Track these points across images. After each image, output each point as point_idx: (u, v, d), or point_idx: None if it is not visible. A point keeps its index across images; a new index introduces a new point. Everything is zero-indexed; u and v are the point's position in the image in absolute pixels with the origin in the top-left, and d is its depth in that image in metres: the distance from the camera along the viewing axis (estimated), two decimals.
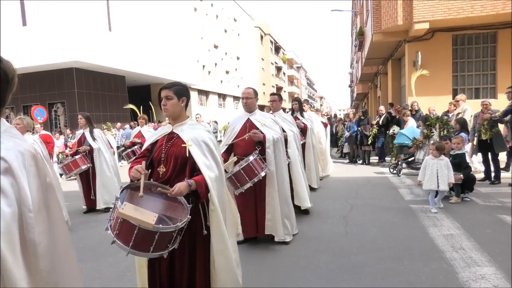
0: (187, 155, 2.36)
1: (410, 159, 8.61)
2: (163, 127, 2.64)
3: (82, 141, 6.58)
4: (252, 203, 4.13)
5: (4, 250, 1.03)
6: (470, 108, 8.52)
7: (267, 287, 3.29)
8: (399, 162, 8.82)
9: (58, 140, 13.15)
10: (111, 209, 2.21)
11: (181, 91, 2.48)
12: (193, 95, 28.97)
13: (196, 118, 11.95)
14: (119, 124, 14.58)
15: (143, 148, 2.61)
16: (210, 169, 2.40)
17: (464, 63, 11.68)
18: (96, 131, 6.68)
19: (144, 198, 2.14)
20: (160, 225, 1.97)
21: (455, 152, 6.05)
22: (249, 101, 4.19)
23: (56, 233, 1.24)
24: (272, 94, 5.70)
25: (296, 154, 5.11)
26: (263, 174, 3.82)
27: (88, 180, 6.52)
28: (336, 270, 3.53)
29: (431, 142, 7.35)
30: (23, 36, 15.02)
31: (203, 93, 31.40)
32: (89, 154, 6.49)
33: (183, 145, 2.39)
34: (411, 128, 8.94)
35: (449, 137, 6.42)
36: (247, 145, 3.99)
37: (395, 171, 8.78)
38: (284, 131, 5.06)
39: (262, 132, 4.02)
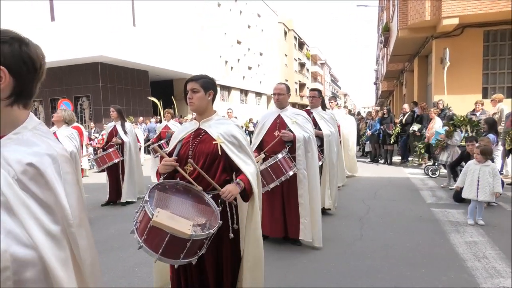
0: (219, 152, 2.25)
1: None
2: (189, 123, 2.52)
3: (113, 134, 6.57)
4: (279, 202, 4.00)
5: (59, 272, 0.94)
6: (507, 107, 8.06)
7: (275, 287, 3.20)
8: (436, 164, 8.41)
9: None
10: (136, 209, 2.03)
11: (208, 84, 2.34)
12: None
13: (227, 113, 11.75)
14: (141, 118, 14.78)
15: (170, 146, 2.52)
16: (248, 165, 2.32)
17: (495, 60, 11.11)
18: (128, 124, 6.71)
19: (173, 200, 2.07)
20: (194, 233, 1.85)
21: None
22: (281, 97, 4.06)
23: (95, 250, 1.12)
24: (311, 90, 5.51)
25: (331, 153, 4.98)
26: (291, 173, 3.68)
27: (117, 173, 6.57)
28: (348, 275, 3.39)
29: (455, 143, 7.01)
30: (51, 31, 15.43)
31: (225, 88, 31.46)
32: (120, 147, 6.55)
33: (214, 142, 2.27)
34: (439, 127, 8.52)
35: (475, 138, 6.08)
36: (276, 143, 3.86)
37: (429, 172, 8.36)
38: (320, 129, 4.94)
39: (292, 131, 3.88)
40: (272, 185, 3.67)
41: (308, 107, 5.38)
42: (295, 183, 3.90)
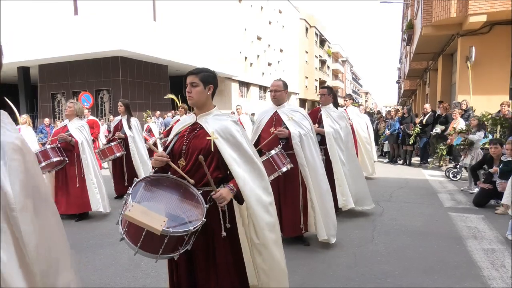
0: (212, 149, 2.17)
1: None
2: (189, 116, 2.46)
3: (118, 128, 6.70)
4: (275, 200, 3.92)
5: None
6: None
7: None
8: (458, 166, 8.11)
9: (102, 126, 13.69)
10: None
11: (208, 78, 2.27)
12: (234, 86, 29.09)
13: (236, 109, 11.76)
14: (158, 112, 14.90)
15: (169, 138, 2.47)
16: (239, 165, 2.20)
17: None
18: (133, 119, 6.78)
19: (159, 194, 2.05)
20: (171, 229, 1.83)
21: (506, 158, 5.46)
22: (277, 93, 3.99)
23: (50, 235, 1.14)
24: (322, 87, 5.40)
25: (335, 151, 4.85)
26: (284, 169, 3.59)
27: (121, 167, 6.67)
28: (356, 279, 3.27)
29: (478, 145, 6.72)
30: (74, 24, 15.74)
31: (244, 84, 31.41)
32: (124, 141, 6.62)
33: (207, 137, 2.19)
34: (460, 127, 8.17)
35: (499, 141, 5.80)
36: (271, 139, 3.81)
37: (450, 175, 8.07)
38: (323, 127, 4.84)
39: (288, 128, 3.82)
40: (270, 178, 3.60)
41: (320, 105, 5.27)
42: (292, 180, 3.86)
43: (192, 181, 2.13)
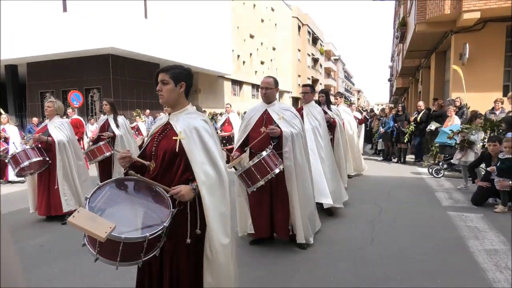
0: (176, 149, 2.06)
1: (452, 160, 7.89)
2: (165, 115, 2.36)
3: (105, 127, 6.48)
4: (267, 201, 3.78)
5: None
6: None
7: None
8: (440, 163, 8.10)
9: (93, 126, 13.42)
10: None
11: (179, 75, 2.16)
12: (227, 84, 28.88)
13: (226, 108, 11.60)
14: (148, 111, 14.64)
15: (145, 140, 2.37)
16: (201, 168, 2.05)
17: None
18: (120, 118, 6.59)
19: (126, 198, 1.96)
20: (123, 235, 1.72)
21: (504, 156, 5.38)
22: (268, 91, 3.84)
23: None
24: (304, 86, 5.23)
25: (323, 149, 4.73)
26: (277, 171, 3.44)
27: (109, 167, 6.46)
28: (356, 283, 3.13)
29: (476, 144, 6.64)
30: (63, 22, 15.38)
31: (237, 83, 31.22)
32: (112, 140, 6.42)
33: (174, 137, 2.10)
34: (456, 126, 8.16)
35: (498, 138, 5.71)
36: (262, 139, 3.65)
37: (433, 172, 8.09)
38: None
39: (279, 127, 3.67)
40: (258, 185, 3.42)
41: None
42: (283, 179, 3.71)
43: (148, 163, 2.09)
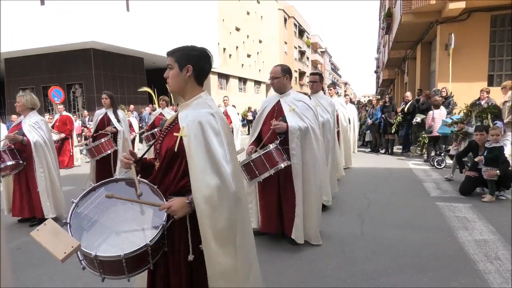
0: (175, 149, 1.74)
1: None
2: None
3: (105, 122, 6.08)
4: (274, 196, 3.62)
5: None
6: None
7: None
8: (442, 154, 8.04)
9: (76, 122, 13.05)
10: None
11: (186, 57, 1.82)
12: (213, 78, 28.54)
13: (224, 101, 10.86)
14: (132, 106, 14.32)
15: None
16: (198, 174, 1.67)
17: (503, 46, 10.65)
18: (120, 112, 6.27)
19: (119, 203, 1.74)
20: (97, 253, 1.56)
21: (491, 144, 5.36)
22: (275, 80, 3.64)
23: None
24: (312, 74, 5.09)
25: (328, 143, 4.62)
26: (282, 165, 3.31)
27: (108, 163, 6.08)
28: (347, 280, 3.04)
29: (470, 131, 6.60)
30: (41, 15, 14.89)
31: (223, 76, 30.91)
32: (113, 136, 6.11)
33: (174, 133, 1.79)
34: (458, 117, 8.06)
35: (485, 127, 5.70)
36: (270, 135, 3.49)
37: (435, 163, 8.00)
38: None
39: (286, 121, 3.49)
40: (264, 175, 3.30)
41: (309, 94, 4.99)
42: (291, 177, 3.53)
43: (139, 191, 1.72)
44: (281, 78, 3.64)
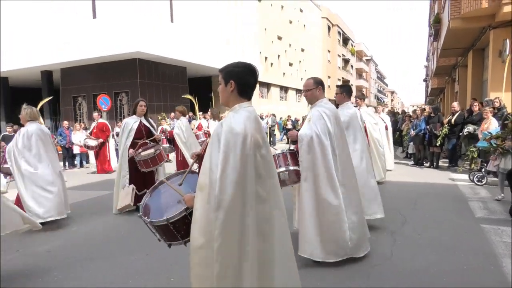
0: (202, 152, 2.26)
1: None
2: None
3: (142, 130, 5.93)
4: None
5: None
6: None
7: None
8: (483, 170, 7.41)
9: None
10: None
11: (230, 73, 2.10)
12: None
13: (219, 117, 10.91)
14: (173, 114, 14.74)
15: None
16: (202, 173, 2.01)
17: None
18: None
19: (172, 193, 2.39)
20: (143, 217, 2.30)
21: None
22: (308, 93, 3.75)
23: None
24: (337, 86, 5.15)
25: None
26: (279, 170, 3.47)
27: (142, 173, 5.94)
28: None
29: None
30: (93, 28, 15.85)
31: (265, 85, 30.99)
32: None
33: (206, 140, 2.25)
34: (496, 130, 7.41)
35: None
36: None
37: (475, 179, 7.41)
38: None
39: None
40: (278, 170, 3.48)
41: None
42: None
43: (181, 181, 2.40)
44: (314, 90, 3.71)
